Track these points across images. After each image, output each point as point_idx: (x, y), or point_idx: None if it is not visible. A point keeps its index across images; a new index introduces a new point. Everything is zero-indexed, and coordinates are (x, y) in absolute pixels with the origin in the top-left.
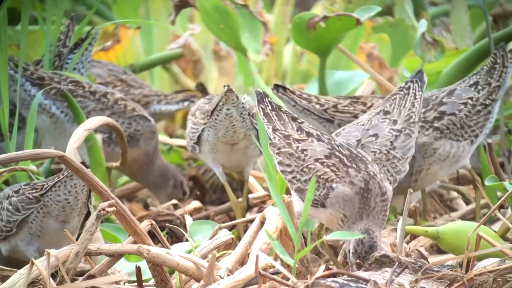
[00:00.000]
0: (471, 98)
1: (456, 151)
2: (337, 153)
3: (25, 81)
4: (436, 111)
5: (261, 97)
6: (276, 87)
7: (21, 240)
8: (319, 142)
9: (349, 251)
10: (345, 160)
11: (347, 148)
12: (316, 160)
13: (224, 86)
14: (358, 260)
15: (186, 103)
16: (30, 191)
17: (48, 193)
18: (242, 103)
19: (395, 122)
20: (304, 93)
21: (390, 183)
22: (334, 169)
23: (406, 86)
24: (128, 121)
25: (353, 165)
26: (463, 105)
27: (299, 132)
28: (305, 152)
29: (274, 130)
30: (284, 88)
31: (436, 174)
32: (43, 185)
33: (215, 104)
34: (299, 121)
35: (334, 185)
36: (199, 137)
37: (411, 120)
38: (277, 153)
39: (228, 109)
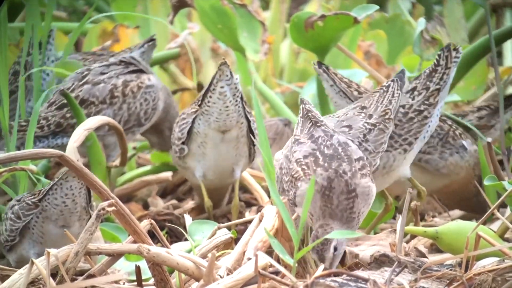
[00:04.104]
0: (403, 106)
1: (386, 162)
2: (317, 152)
3: (52, 138)
4: None
5: (303, 104)
6: (319, 64)
7: (24, 249)
8: (310, 144)
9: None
10: (320, 159)
11: (334, 147)
12: (295, 160)
13: (221, 61)
14: (316, 256)
15: (146, 44)
16: (30, 198)
17: (45, 197)
18: (235, 83)
19: (370, 116)
20: (346, 77)
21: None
22: (305, 167)
23: (386, 85)
24: (143, 99)
25: (325, 164)
26: None
27: (305, 135)
28: (294, 154)
29: (294, 135)
30: (327, 67)
31: None
32: (41, 190)
33: (209, 84)
34: (318, 124)
35: (299, 183)
36: (189, 133)
37: (387, 116)
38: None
39: (222, 87)
